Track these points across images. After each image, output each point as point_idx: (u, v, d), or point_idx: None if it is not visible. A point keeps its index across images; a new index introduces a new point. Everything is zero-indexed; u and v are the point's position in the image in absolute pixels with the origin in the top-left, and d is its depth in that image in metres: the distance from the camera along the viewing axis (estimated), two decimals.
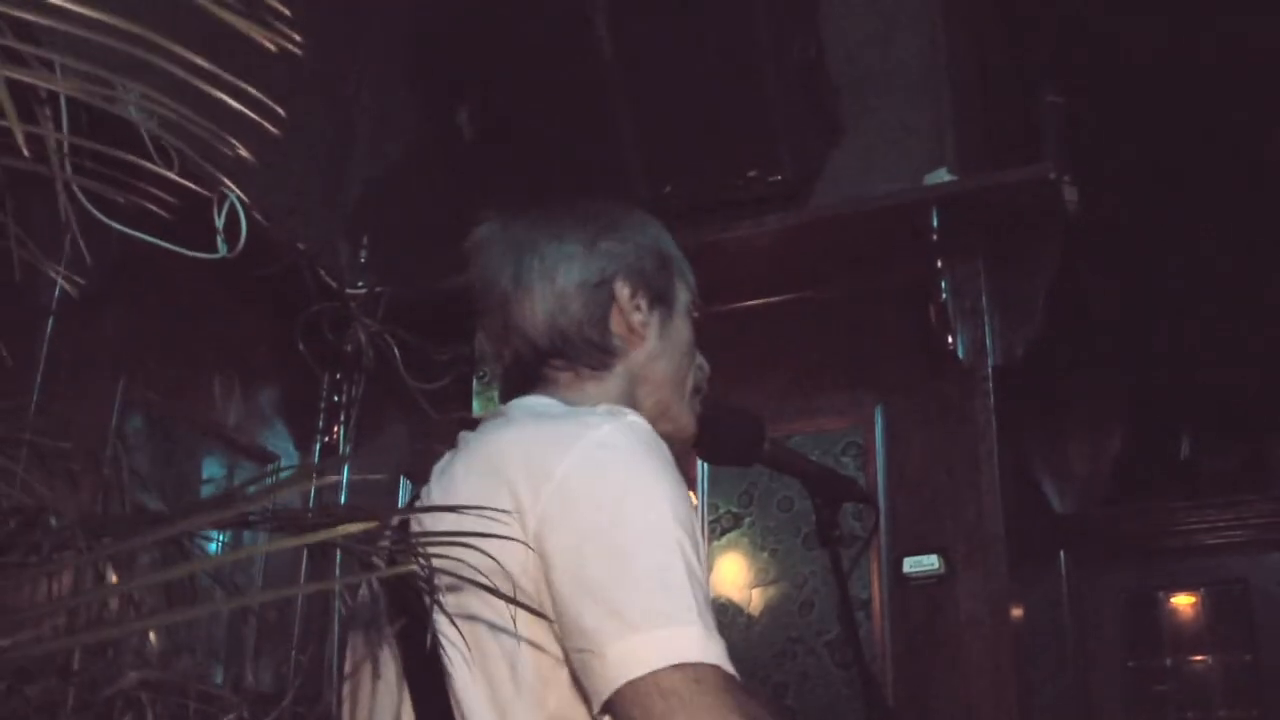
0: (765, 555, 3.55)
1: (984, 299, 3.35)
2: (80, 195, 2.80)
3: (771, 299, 3.59)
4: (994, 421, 3.29)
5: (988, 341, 3.33)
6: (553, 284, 1.65)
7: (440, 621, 1.37)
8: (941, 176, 3.34)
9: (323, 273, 3.67)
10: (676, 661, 1.24)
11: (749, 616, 3.52)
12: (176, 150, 3.11)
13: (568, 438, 1.42)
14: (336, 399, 3.94)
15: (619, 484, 1.38)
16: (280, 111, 0.99)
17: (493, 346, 1.75)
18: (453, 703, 1.41)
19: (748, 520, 3.60)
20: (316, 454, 3.94)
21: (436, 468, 1.60)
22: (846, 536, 2.23)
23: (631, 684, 1.24)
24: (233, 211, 3.18)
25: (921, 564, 3.27)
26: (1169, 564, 4.97)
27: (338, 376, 3.92)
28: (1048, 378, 3.73)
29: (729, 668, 1.28)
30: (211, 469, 3.72)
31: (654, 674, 1.24)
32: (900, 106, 3.58)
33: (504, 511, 1.36)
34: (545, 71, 3.61)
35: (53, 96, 1.05)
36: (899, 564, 3.29)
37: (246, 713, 1.34)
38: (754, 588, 3.54)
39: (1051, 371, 3.72)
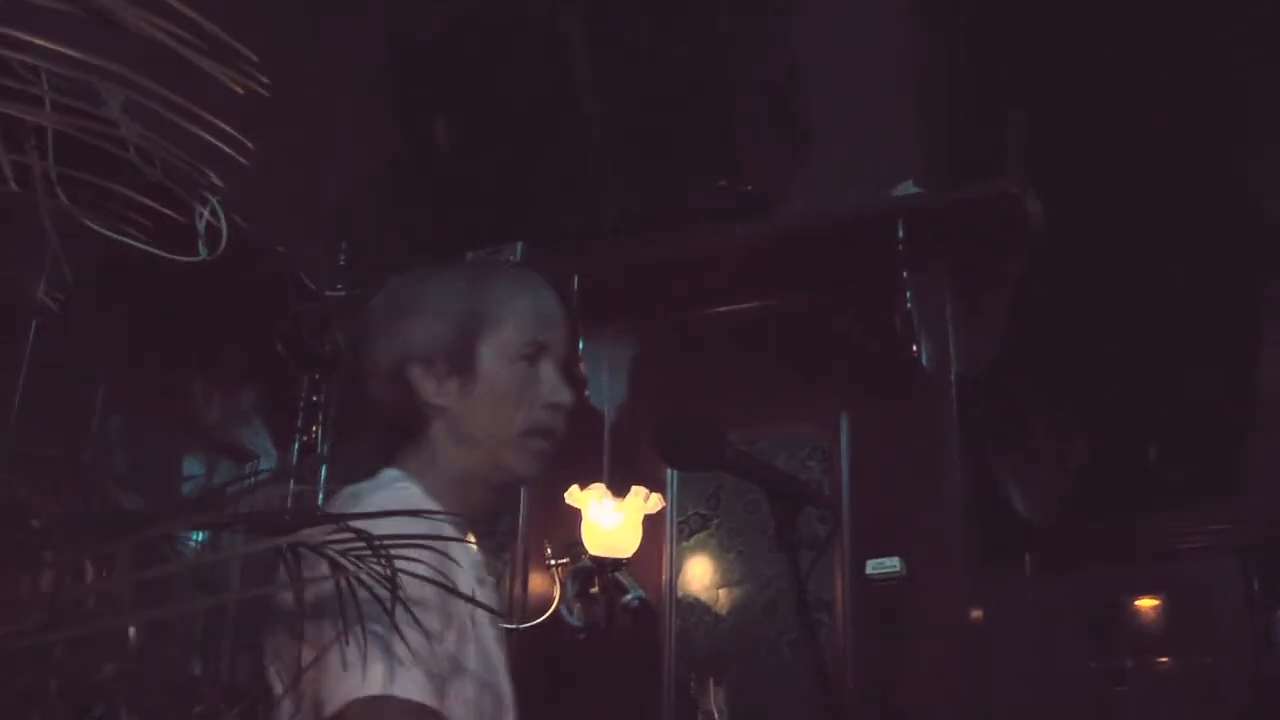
0: (732, 556, 3.63)
1: (948, 309, 3.42)
2: (63, 198, 2.86)
3: (739, 306, 3.67)
4: (956, 428, 3.37)
5: (951, 351, 3.41)
6: (375, 369, 1.85)
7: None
8: (908, 189, 3.41)
9: (302, 276, 3.73)
10: (354, 697, 1.46)
11: (716, 615, 3.59)
12: (158, 154, 3.18)
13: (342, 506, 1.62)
14: (315, 399, 4.00)
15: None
16: (248, 144, 1.06)
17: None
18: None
19: (715, 522, 3.67)
20: (295, 454, 3.99)
21: None
22: (811, 540, 2.30)
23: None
24: (214, 215, 3.24)
25: (883, 566, 3.34)
26: (1132, 568, 5.06)
27: (316, 377, 3.98)
28: (1013, 386, 3.80)
29: (416, 695, 1.49)
30: (192, 467, 3.78)
31: (345, 707, 1.47)
32: (868, 121, 3.66)
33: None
34: (519, 82, 3.68)
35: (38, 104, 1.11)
36: (861, 566, 3.37)
37: (222, 704, 1.41)
38: (721, 588, 3.61)
39: (1017, 379, 3.80)
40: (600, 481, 3.59)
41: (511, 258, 3.59)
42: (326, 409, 4.00)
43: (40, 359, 3.06)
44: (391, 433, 1.86)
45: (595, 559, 3.55)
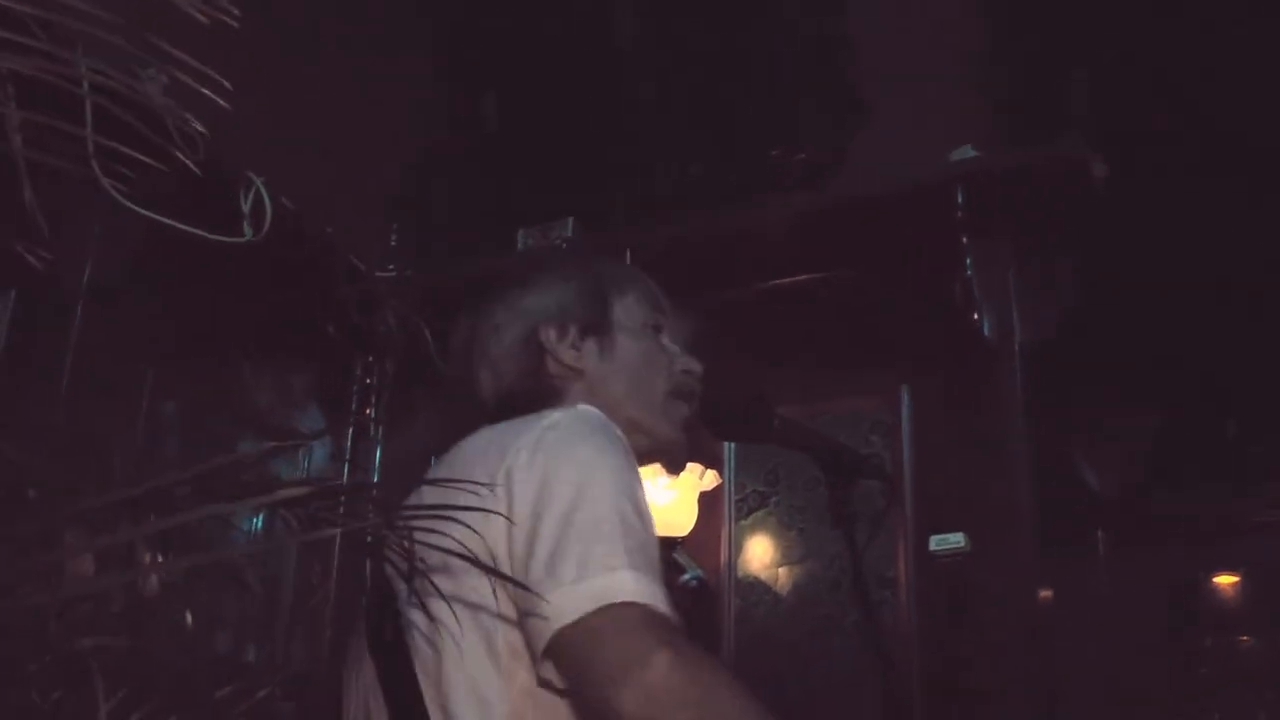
0: (793, 534, 3.55)
1: (1011, 277, 3.31)
2: (107, 184, 2.83)
3: (796, 279, 3.57)
4: (1021, 400, 3.26)
5: (1015, 320, 3.29)
6: (489, 359, 1.76)
7: (418, 600, 1.43)
8: (966, 153, 3.30)
9: (352, 257, 3.69)
10: (603, 604, 1.30)
11: (776, 595, 3.52)
12: (201, 136, 3.16)
13: (522, 430, 1.50)
14: (369, 381, 3.95)
15: (562, 456, 1.45)
16: (226, 84, 1.00)
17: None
18: (424, 682, 1.46)
19: (775, 499, 3.60)
20: (349, 436, 3.96)
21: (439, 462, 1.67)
22: (872, 515, 2.23)
23: (563, 630, 1.31)
24: (259, 197, 3.20)
25: (948, 542, 3.25)
26: (1210, 544, 4.90)
27: (369, 359, 3.94)
28: (1082, 355, 3.67)
29: (661, 607, 1.34)
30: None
31: (584, 618, 1.30)
32: (925, 85, 3.55)
33: (485, 485, 1.43)
34: (567, 58, 3.61)
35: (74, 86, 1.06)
36: (925, 542, 3.28)
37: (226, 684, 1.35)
38: (781, 566, 3.54)
39: (1085, 348, 3.67)
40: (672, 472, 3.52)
41: (563, 234, 3.53)
42: (380, 391, 3.95)
43: (86, 344, 3.04)
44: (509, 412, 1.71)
45: None
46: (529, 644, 1.39)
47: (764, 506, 3.61)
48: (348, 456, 3.90)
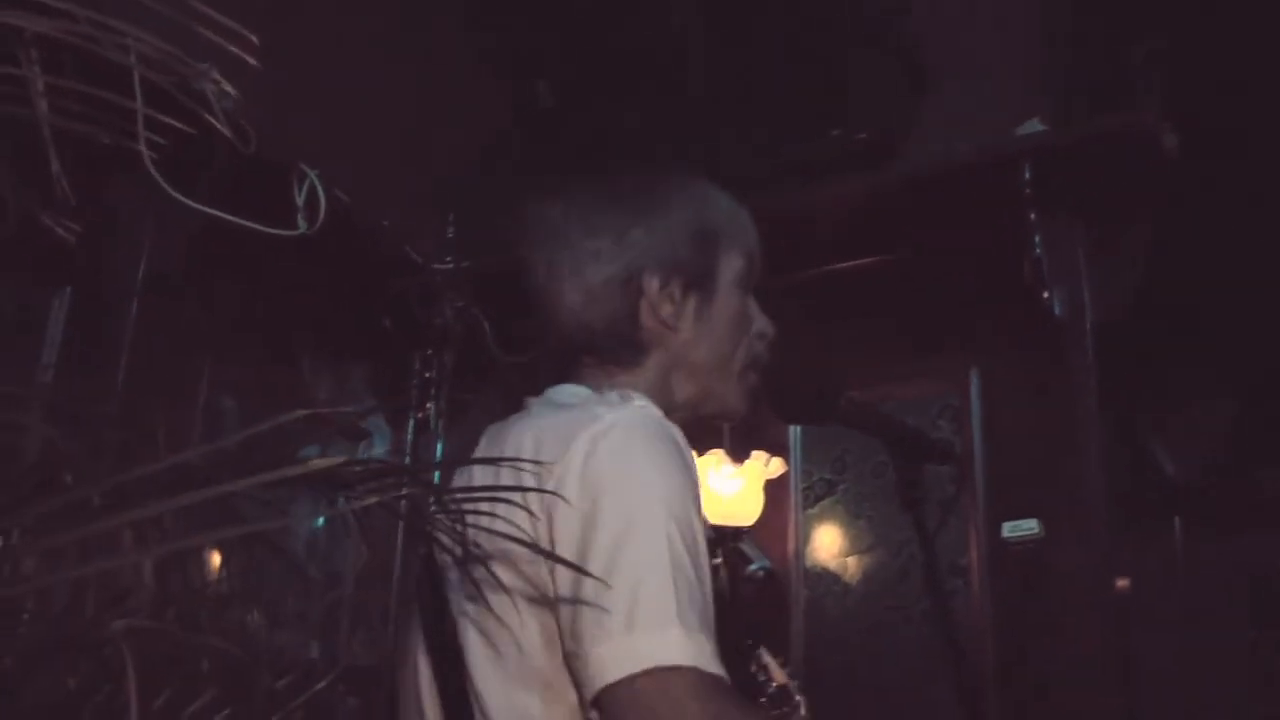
0: (861, 522, 3.48)
1: (1080, 254, 3.22)
2: (159, 179, 2.80)
3: (859, 261, 3.50)
4: (1094, 381, 3.17)
5: (1085, 298, 3.20)
6: (581, 280, 1.62)
7: (466, 590, 1.39)
8: (1033, 128, 3.21)
9: (408, 249, 3.66)
10: (648, 667, 1.25)
11: (845, 585, 3.45)
12: (254, 130, 3.13)
13: (571, 431, 1.40)
14: (428, 375, 3.92)
15: (613, 477, 1.36)
16: (253, 39, 0.96)
17: (536, 331, 1.72)
18: (470, 685, 1.41)
19: (842, 487, 3.53)
20: (410, 430, 3.92)
21: (488, 433, 1.60)
22: (944, 500, 2.18)
23: (608, 688, 1.26)
24: (313, 190, 3.18)
25: (1020, 528, 3.17)
26: None
27: (428, 353, 3.90)
28: (1155, 334, 3.58)
29: (710, 667, 1.27)
30: (307, 449, 3.73)
31: (629, 678, 1.24)
32: (989, 57, 3.46)
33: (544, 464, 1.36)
34: (622, 37, 3.56)
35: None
36: (997, 528, 3.20)
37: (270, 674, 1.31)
38: (849, 555, 3.47)
39: (1159, 327, 3.58)
40: (720, 448, 3.46)
41: None
42: (440, 385, 3.92)
43: (142, 341, 3.03)
44: (585, 355, 1.65)
45: (716, 528, 3.42)
46: (575, 683, 1.34)
47: (831, 494, 3.54)
48: (408, 451, 3.86)
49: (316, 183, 3.18)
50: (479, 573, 1.33)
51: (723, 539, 3.45)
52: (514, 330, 3.63)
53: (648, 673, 1.24)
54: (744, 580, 3.46)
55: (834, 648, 3.38)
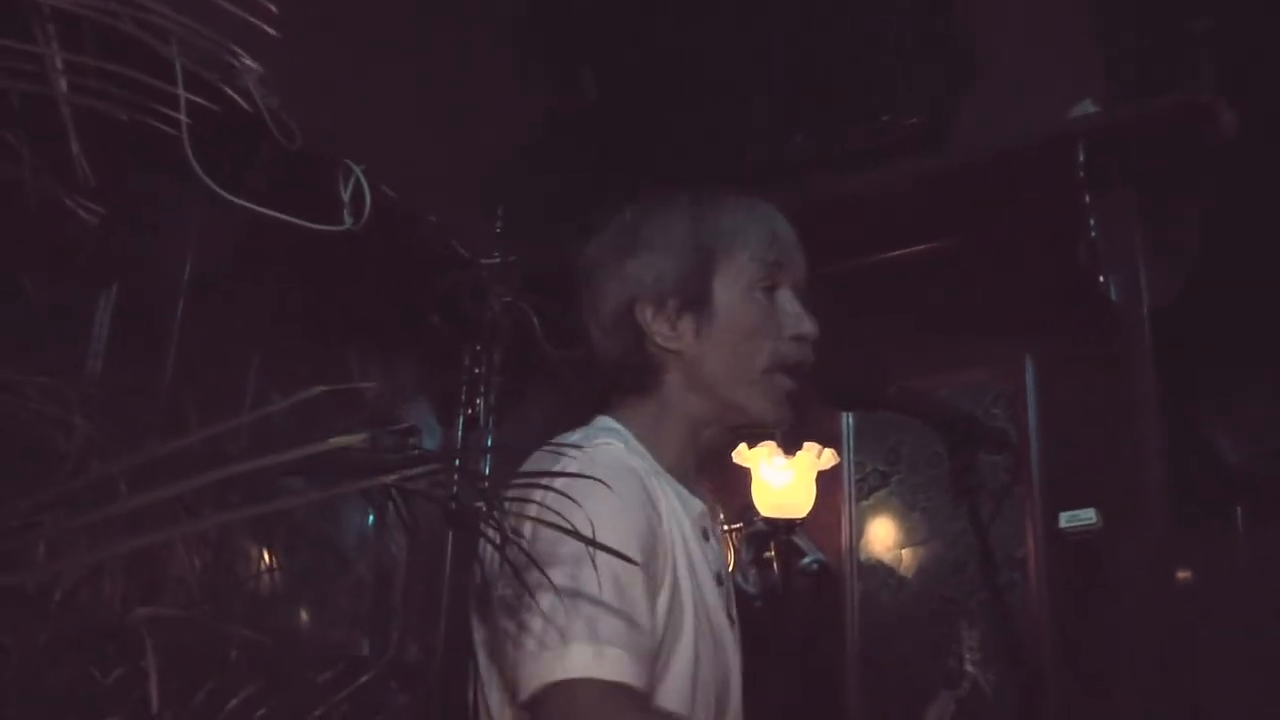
0: (915, 514, 3.43)
1: (1137, 236, 3.15)
2: (203, 175, 2.78)
3: (911, 249, 3.44)
4: (1152, 366, 3.10)
5: (1142, 281, 3.13)
6: (598, 317, 1.75)
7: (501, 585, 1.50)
8: (1086, 109, 3.15)
9: (455, 244, 3.65)
10: (551, 680, 1.38)
11: (900, 578, 3.40)
12: (298, 126, 3.12)
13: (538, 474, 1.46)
14: (477, 371, 3.90)
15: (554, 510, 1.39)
16: (272, 8, 0.94)
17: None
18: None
19: (896, 478, 3.48)
20: (460, 426, 3.91)
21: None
22: (999, 489, 2.14)
23: (527, 702, 1.42)
24: (359, 185, 3.18)
25: (1078, 518, 3.11)
26: None
27: (477, 348, 3.88)
28: (1214, 318, 3.50)
29: (619, 676, 1.39)
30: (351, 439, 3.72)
31: (541, 690, 1.39)
32: (1040, 39, 3.40)
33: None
34: (667, 26, 3.53)
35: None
36: (1054, 519, 3.14)
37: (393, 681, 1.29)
38: (904, 548, 3.42)
39: (1218, 311, 3.50)
40: (771, 440, 3.42)
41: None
42: (489, 380, 3.89)
43: (189, 338, 3.02)
44: (612, 385, 1.76)
45: (768, 521, 3.39)
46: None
47: (885, 486, 3.49)
48: (459, 447, 3.85)
49: (362, 178, 3.18)
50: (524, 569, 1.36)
51: (775, 532, 3.41)
52: (563, 324, 3.60)
53: (555, 685, 1.38)
54: (797, 574, 3.42)
55: (889, 642, 3.33)
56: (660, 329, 1.69)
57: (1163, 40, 3.44)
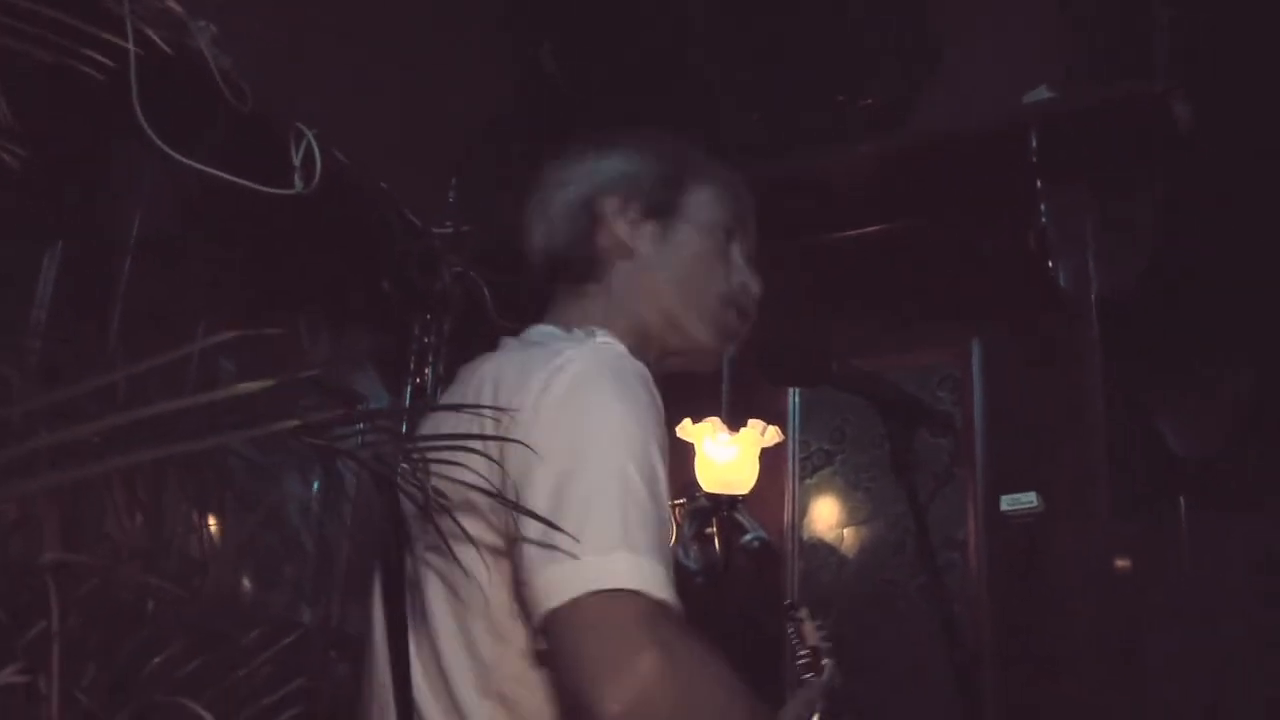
0: (859, 494, 3.44)
1: (1088, 224, 3.17)
2: (153, 135, 2.75)
3: (862, 229, 3.45)
4: (1099, 354, 3.12)
5: (1091, 269, 3.15)
6: (547, 210, 1.71)
7: (428, 539, 1.39)
8: (1041, 95, 3.16)
9: (408, 212, 3.62)
10: (594, 589, 1.23)
11: (841, 556, 3.41)
12: (250, 87, 3.08)
13: (532, 370, 1.40)
14: (427, 340, 3.88)
15: (569, 410, 1.36)
16: None
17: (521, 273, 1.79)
18: (424, 633, 1.43)
19: (840, 458, 3.49)
20: (407, 396, 3.89)
21: (459, 374, 1.60)
22: (940, 470, 2.16)
23: (554, 612, 1.25)
24: (310, 150, 3.15)
25: (1019, 501, 3.12)
26: None
27: (427, 318, 3.86)
28: (1164, 307, 3.52)
29: (659, 593, 1.26)
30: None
31: (573, 601, 1.23)
32: (999, 24, 3.40)
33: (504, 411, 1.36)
34: (628, 5, 3.51)
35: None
36: (996, 502, 3.15)
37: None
38: (846, 527, 3.43)
39: (1168, 300, 3.52)
40: (716, 415, 3.41)
41: None
42: (438, 350, 3.88)
43: (135, 299, 2.99)
44: (553, 281, 1.71)
45: (710, 496, 3.38)
46: (524, 613, 1.33)
47: (829, 465, 3.50)
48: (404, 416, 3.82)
49: (313, 142, 3.15)
50: (444, 522, 1.30)
51: (717, 508, 3.41)
52: (514, 296, 3.58)
53: (593, 595, 1.23)
54: (738, 550, 3.41)
55: (829, 620, 3.34)
56: (619, 223, 1.67)
57: (1125, 28, 3.45)
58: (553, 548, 1.25)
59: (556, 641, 1.26)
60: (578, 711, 1.25)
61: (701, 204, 1.71)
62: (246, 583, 3.41)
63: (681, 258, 1.68)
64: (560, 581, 1.24)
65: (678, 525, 3.48)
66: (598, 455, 1.31)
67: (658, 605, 1.25)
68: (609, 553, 1.25)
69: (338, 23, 3.50)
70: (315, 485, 3.54)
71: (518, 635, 1.36)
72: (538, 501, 1.28)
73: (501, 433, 1.33)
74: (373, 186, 3.47)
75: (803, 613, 2.24)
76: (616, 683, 1.19)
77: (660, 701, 1.20)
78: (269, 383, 0.90)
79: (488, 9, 4.08)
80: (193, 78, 2.84)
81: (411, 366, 3.88)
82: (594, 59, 3.71)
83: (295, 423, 0.94)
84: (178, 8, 2.70)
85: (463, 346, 3.82)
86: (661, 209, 1.68)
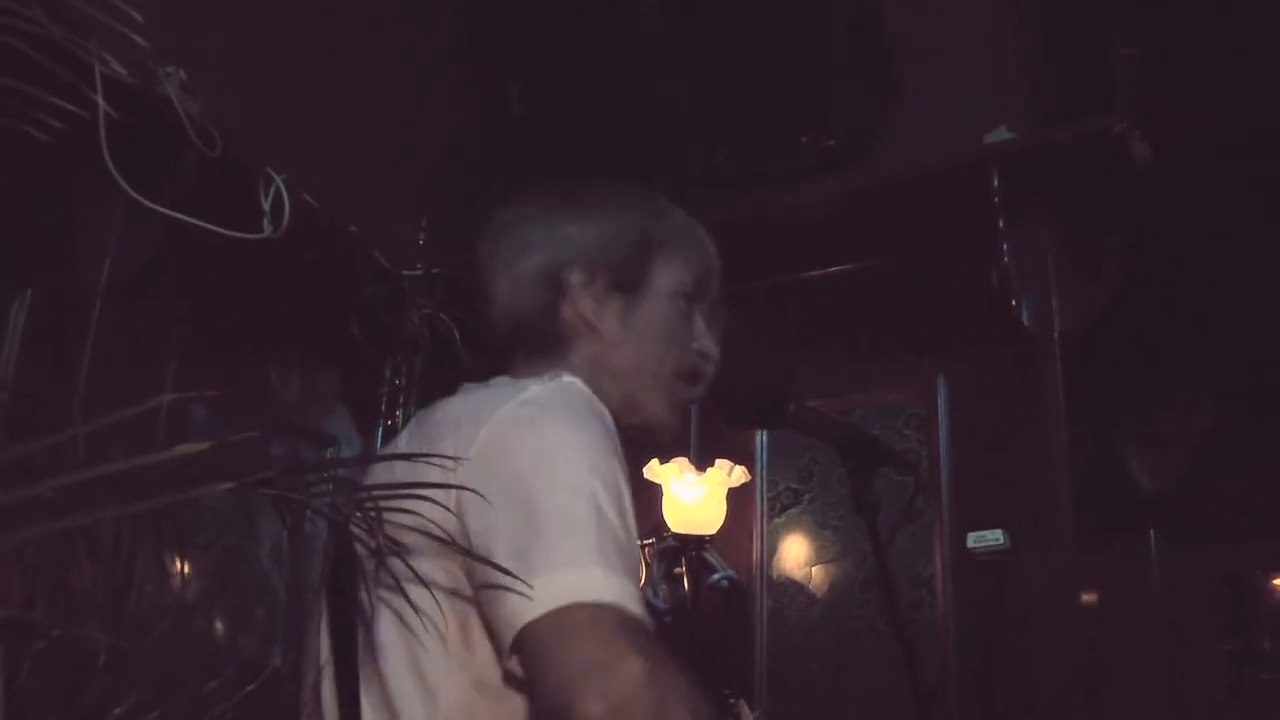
0: (826, 532, 3.45)
1: (1050, 261, 3.20)
2: (121, 181, 2.76)
3: (827, 269, 3.48)
4: (1062, 390, 3.15)
5: (1054, 305, 3.18)
6: (512, 270, 1.66)
7: (383, 582, 1.37)
8: (1001, 135, 3.19)
9: (378, 255, 3.64)
10: (570, 602, 1.23)
11: (810, 595, 3.42)
12: (220, 134, 3.10)
13: (496, 402, 1.41)
14: (398, 382, 3.89)
15: (535, 436, 1.37)
16: (137, 17, 0.94)
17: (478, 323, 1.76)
18: (372, 668, 1.41)
19: (808, 497, 3.50)
20: (379, 437, 3.90)
21: (416, 417, 1.62)
22: (903, 507, 2.17)
23: (530, 625, 1.24)
24: (279, 194, 3.17)
25: (985, 539, 3.14)
26: (1270, 540, 4.74)
27: (397, 359, 3.88)
28: (1127, 342, 3.55)
29: (633, 607, 1.26)
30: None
31: (550, 614, 1.22)
32: (960, 64, 3.44)
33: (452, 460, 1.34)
34: (593, 42, 3.54)
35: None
36: (962, 539, 3.17)
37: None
38: (814, 565, 3.44)
39: (1131, 336, 3.55)
40: (684, 456, 3.43)
41: None
42: (409, 391, 3.89)
43: (105, 344, 2.99)
44: (514, 345, 1.68)
45: (678, 536, 3.40)
46: (494, 635, 1.33)
47: (797, 504, 3.51)
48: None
49: (283, 187, 3.17)
50: (396, 566, 1.31)
51: (685, 548, 3.42)
52: (483, 337, 3.59)
53: (574, 606, 1.23)
54: (707, 590, 3.42)
55: (797, 659, 3.35)
56: (585, 301, 1.64)
57: (1085, 67, 3.49)
58: (527, 564, 1.25)
59: (534, 651, 1.25)
60: (555, 716, 1.24)
61: (670, 273, 1.70)
62: (219, 626, 3.41)
63: (645, 338, 1.67)
64: (539, 594, 1.24)
65: (646, 565, 3.49)
66: (567, 477, 1.32)
67: (635, 620, 1.26)
68: (587, 568, 1.25)
69: (306, 67, 3.52)
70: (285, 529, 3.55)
71: (472, 664, 1.36)
72: (502, 521, 1.29)
73: (461, 466, 1.33)
74: (342, 229, 3.48)
75: (740, 704, 2.24)
76: (595, 690, 1.18)
77: (641, 707, 1.19)
78: (204, 446, 0.90)
79: (457, 53, 4.11)
80: (161, 123, 2.86)
81: (383, 408, 3.89)
82: (560, 98, 3.74)
83: (234, 482, 0.94)
84: (146, 54, 2.73)
85: (434, 388, 3.82)
86: (629, 284, 1.67)
